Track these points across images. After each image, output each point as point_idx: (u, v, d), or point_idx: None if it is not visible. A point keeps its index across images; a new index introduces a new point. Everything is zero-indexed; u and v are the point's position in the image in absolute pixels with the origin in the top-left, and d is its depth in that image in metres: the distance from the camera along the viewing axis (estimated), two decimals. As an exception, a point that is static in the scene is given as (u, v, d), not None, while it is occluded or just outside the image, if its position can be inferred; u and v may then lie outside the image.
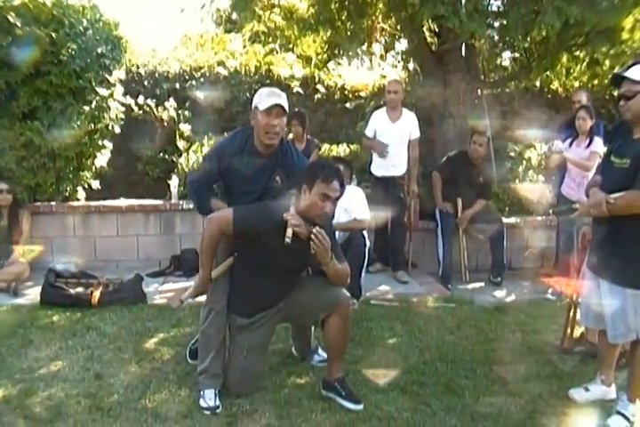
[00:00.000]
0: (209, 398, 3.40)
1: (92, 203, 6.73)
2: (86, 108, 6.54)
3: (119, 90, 7.10)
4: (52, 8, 6.58)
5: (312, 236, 3.17)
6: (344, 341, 3.55)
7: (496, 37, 7.51)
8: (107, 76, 6.75)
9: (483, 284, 6.16)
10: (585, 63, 7.84)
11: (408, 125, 6.16)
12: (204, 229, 3.49)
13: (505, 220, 6.60)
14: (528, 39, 7.13)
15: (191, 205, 6.44)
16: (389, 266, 6.31)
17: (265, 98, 3.46)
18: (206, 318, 3.56)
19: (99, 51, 6.63)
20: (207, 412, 3.32)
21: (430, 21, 7.33)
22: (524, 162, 7.56)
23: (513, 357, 4.18)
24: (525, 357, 4.21)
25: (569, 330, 4.32)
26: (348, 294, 3.52)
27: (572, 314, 4.31)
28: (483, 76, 8.27)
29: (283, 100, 3.48)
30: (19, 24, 6.23)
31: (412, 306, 5.31)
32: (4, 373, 3.81)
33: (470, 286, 6.12)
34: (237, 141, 3.57)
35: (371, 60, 8.87)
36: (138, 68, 8.21)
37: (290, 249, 3.20)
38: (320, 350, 4.00)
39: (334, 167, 3.45)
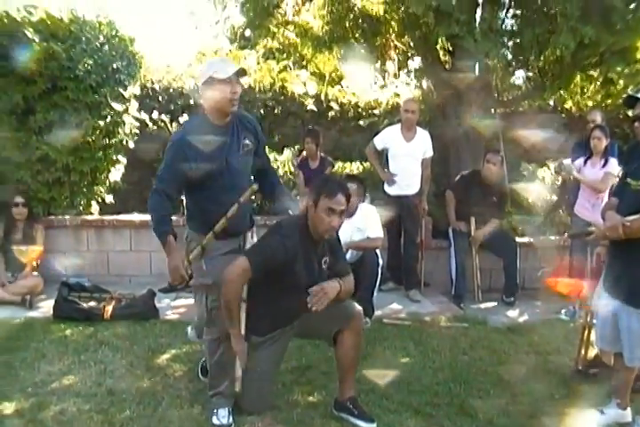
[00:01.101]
0: (222, 415, 3.39)
1: (106, 217, 6.76)
2: (101, 122, 6.59)
3: (134, 105, 7.17)
4: (70, 24, 6.67)
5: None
6: (356, 356, 3.54)
7: (510, 56, 7.53)
8: (122, 91, 6.81)
9: (495, 303, 6.12)
10: (599, 82, 7.86)
11: (422, 144, 6.16)
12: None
13: (518, 239, 6.57)
14: (542, 58, 7.16)
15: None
16: (402, 285, 6.28)
17: (222, 66, 3.35)
18: (217, 349, 3.48)
19: (114, 66, 6.70)
20: (220, 430, 3.30)
21: (444, 40, 7.38)
22: (538, 181, 7.53)
23: (526, 378, 4.13)
24: (539, 378, 4.16)
25: (583, 351, 4.28)
26: (359, 307, 3.52)
27: (586, 335, 4.27)
28: (496, 95, 8.28)
29: (234, 67, 3.35)
30: (37, 40, 6.30)
31: (425, 325, 5.27)
32: (17, 386, 3.82)
33: (483, 305, 6.08)
34: (193, 127, 3.44)
35: (384, 78, 8.94)
36: (152, 83, 8.27)
37: (310, 269, 3.20)
38: None
39: (337, 181, 3.48)
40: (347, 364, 3.50)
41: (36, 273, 5.95)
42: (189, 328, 4.30)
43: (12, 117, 6.30)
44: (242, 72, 3.37)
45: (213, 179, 3.38)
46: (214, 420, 3.39)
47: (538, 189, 7.51)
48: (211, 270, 3.41)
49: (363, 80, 8.73)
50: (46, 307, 5.46)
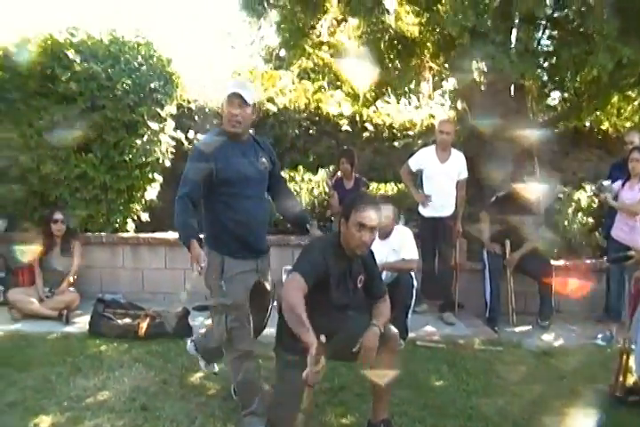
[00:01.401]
0: None
1: (142, 235, 6.84)
2: (138, 141, 6.69)
3: (170, 124, 7.26)
4: (110, 45, 6.85)
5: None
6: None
7: (545, 77, 7.50)
8: (159, 110, 6.93)
9: (530, 327, 6.03)
10: (637, 103, 7.77)
11: (457, 166, 6.15)
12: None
13: (553, 262, 6.50)
14: (578, 79, 7.11)
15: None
16: (436, 307, 6.24)
17: (229, 88, 3.51)
18: (240, 368, 3.51)
19: (152, 86, 6.84)
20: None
21: (479, 61, 7.37)
22: (574, 204, 7.45)
23: (562, 404, 4.05)
24: (575, 404, 4.07)
25: (621, 378, 4.20)
26: (395, 330, 3.47)
27: (624, 361, 4.19)
28: (532, 116, 8.24)
29: (244, 91, 3.48)
30: (78, 60, 6.45)
31: (459, 348, 5.22)
32: (53, 400, 3.86)
33: (517, 328, 6.00)
34: (214, 138, 3.57)
35: (418, 99, 8.95)
36: (189, 102, 8.37)
37: (344, 287, 3.25)
38: None
39: (369, 197, 3.50)
40: (381, 386, 3.47)
41: (72, 289, 6.04)
42: (189, 341, 4.29)
43: (53, 135, 6.42)
44: (240, 100, 3.43)
45: (230, 187, 3.46)
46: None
47: (573, 210, 7.44)
48: (230, 290, 3.46)
49: (397, 101, 8.72)
50: (82, 322, 5.54)
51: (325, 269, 3.25)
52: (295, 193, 6.92)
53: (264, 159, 3.62)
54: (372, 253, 3.51)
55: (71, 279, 6.06)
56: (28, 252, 5.99)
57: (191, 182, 3.42)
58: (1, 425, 3.55)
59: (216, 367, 4.19)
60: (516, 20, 6.76)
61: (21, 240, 6.47)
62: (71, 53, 6.51)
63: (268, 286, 3.78)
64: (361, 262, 3.44)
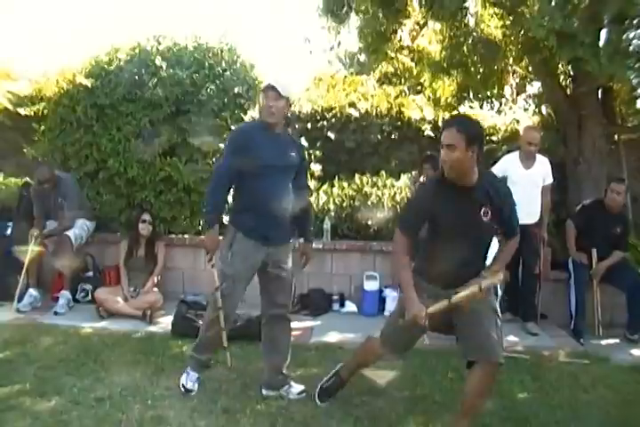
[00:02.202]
0: (192, 379, 4.10)
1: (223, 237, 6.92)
2: (221, 145, 6.79)
3: (253, 128, 7.32)
4: (194, 51, 7.01)
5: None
6: (479, 399, 3.41)
7: (635, 80, 7.24)
8: (242, 115, 7.00)
9: (618, 340, 5.80)
10: None
11: (541, 171, 5.99)
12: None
13: (642, 272, 6.27)
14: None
15: (320, 246, 6.55)
16: (519, 316, 6.10)
17: (266, 82, 3.94)
18: (209, 329, 4.16)
19: (235, 91, 6.93)
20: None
21: (565, 64, 7.19)
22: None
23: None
24: (667, 423, 3.95)
25: None
26: (500, 351, 3.33)
27: None
28: (620, 121, 7.99)
29: (278, 85, 3.82)
30: (164, 67, 6.62)
31: (543, 360, 5.08)
32: (137, 398, 3.98)
33: (604, 341, 5.78)
34: (251, 124, 4.36)
35: (501, 104, 8.78)
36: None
37: (463, 215, 3.30)
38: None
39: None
40: (468, 401, 3.38)
41: (156, 289, 6.19)
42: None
43: (140, 140, 6.60)
44: (275, 93, 3.79)
45: (257, 169, 3.81)
46: (183, 378, 4.07)
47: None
48: (233, 262, 3.93)
49: (480, 105, 8.56)
50: (165, 323, 5.66)
51: (432, 199, 3.35)
52: (379, 199, 6.94)
53: (293, 153, 3.97)
54: (494, 183, 3.42)
55: (155, 280, 6.22)
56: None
57: (226, 166, 3.88)
58: (90, 419, 3.67)
59: (195, 386, 4.14)
60: (606, 21, 6.55)
61: (109, 241, 6.71)
62: (158, 60, 6.70)
63: (283, 276, 4.14)
64: (484, 194, 3.32)
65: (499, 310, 3.49)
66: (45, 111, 7.23)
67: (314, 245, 6.52)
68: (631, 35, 6.72)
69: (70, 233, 6.22)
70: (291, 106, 4.07)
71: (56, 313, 5.95)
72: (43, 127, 7.14)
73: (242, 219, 3.94)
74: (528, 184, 5.82)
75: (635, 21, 6.55)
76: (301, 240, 4.44)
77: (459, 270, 3.31)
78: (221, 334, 4.11)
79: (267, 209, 3.84)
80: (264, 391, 4.12)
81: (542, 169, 6.02)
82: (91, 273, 6.65)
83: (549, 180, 6.07)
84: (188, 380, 4.09)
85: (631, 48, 6.70)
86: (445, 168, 3.26)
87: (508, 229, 3.49)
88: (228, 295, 3.99)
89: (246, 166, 3.79)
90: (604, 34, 6.64)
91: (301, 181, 4.15)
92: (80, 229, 6.38)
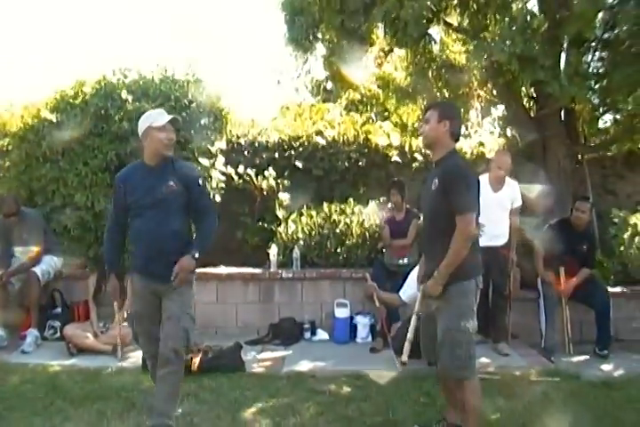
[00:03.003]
0: None
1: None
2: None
3: (220, 160, 7.34)
4: (160, 84, 7.00)
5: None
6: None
7: (597, 100, 7.39)
8: (209, 146, 7.02)
9: (588, 357, 5.84)
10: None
11: (510, 194, 6.03)
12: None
13: (610, 289, 6.34)
14: (630, 100, 6.98)
15: (290, 275, 6.59)
16: (489, 337, 6.10)
17: (157, 117, 3.95)
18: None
19: (202, 122, 6.94)
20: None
21: (528, 87, 7.32)
22: (630, 228, 7.26)
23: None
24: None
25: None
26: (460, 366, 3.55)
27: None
28: (583, 140, 8.12)
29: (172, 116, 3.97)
30: (130, 100, 6.63)
31: (515, 379, 5.10)
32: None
33: (575, 358, 5.81)
34: (130, 167, 4.11)
35: (467, 127, 8.90)
36: (238, 138, 8.41)
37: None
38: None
39: None
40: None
41: (125, 323, 6.10)
42: None
43: (107, 174, 6.56)
44: (174, 121, 3.95)
45: (138, 208, 3.87)
46: None
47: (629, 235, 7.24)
48: (133, 303, 4.16)
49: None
50: (136, 357, 5.59)
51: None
52: (347, 226, 6.97)
53: (171, 182, 3.84)
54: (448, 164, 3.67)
55: (125, 314, 6.13)
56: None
57: (113, 208, 4.07)
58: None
59: None
60: (565, 44, 6.70)
61: (76, 277, 6.64)
62: (124, 93, 6.69)
63: (171, 316, 3.84)
64: (441, 171, 3.66)
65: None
66: (10, 147, 7.17)
67: (284, 274, 6.63)
68: (590, 57, 6.90)
69: (37, 269, 6.16)
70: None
71: (23, 352, 5.83)
72: (8, 163, 7.10)
73: (132, 258, 4.05)
74: (496, 207, 5.84)
75: (593, 43, 6.73)
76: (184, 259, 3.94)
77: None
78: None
79: (145, 247, 3.88)
80: None
81: (511, 192, 6.06)
82: (59, 309, 6.56)
83: (518, 202, 6.11)
84: None
85: (590, 70, 6.86)
86: (423, 139, 3.78)
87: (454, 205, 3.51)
88: (136, 334, 4.10)
89: (129, 209, 3.92)
90: (563, 56, 6.79)
91: (196, 204, 3.94)
92: (47, 264, 6.32)
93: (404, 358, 3.73)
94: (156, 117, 3.93)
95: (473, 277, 3.58)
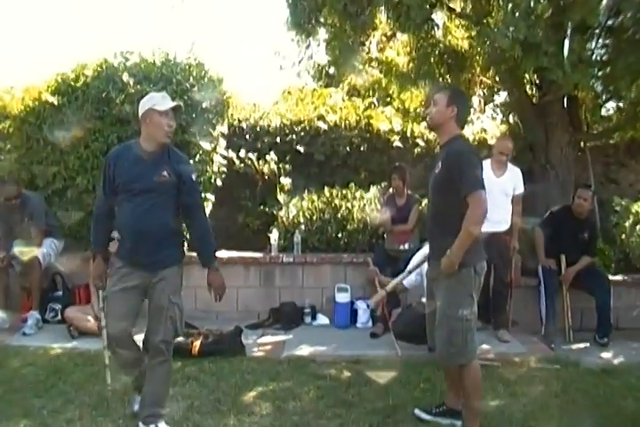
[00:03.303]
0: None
1: (194, 254, 6.87)
2: (190, 161, 6.75)
3: (222, 144, 7.33)
4: (162, 67, 6.95)
5: None
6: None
7: (600, 87, 7.35)
8: (210, 130, 6.98)
9: (588, 344, 5.86)
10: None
11: (512, 180, 6.02)
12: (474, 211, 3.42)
13: (611, 277, 6.35)
14: (634, 88, 6.95)
15: (291, 259, 6.59)
16: (490, 324, 6.11)
17: (161, 100, 3.73)
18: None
19: (203, 106, 6.89)
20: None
21: (531, 73, 7.28)
22: (631, 216, 7.25)
23: (624, 424, 3.95)
24: (638, 424, 3.97)
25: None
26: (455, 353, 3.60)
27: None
28: (586, 128, 8.10)
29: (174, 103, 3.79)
30: (131, 83, 6.60)
31: (514, 366, 5.11)
32: (108, 418, 3.93)
33: (575, 346, 5.83)
34: (125, 147, 3.84)
35: (469, 114, 8.85)
36: (240, 122, 8.39)
37: None
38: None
39: None
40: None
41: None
42: None
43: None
44: (177, 108, 3.78)
45: (125, 193, 3.67)
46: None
47: (630, 223, 7.25)
48: (111, 288, 3.78)
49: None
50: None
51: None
52: (348, 211, 6.96)
53: (165, 172, 3.66)
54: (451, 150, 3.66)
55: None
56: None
57: (100, 191, 3.86)
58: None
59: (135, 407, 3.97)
60: (569, 30, 6.66)
61: (79, 259, 6.63)
62: (125, 76, 6.66)
63: (161, 305, 3.75)
64: (445, 155, 3.68)
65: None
66: (11, 129, 7.15)
67: (285, 258, 6.62)
68: (593, 44, 6.85)
69: (38, 252, 6.15)
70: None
71: (24, 334, 5.84)
72: (8, 146, 7.08)
73: (120, 243, 3.83)
74: (499, 192, 5.81)
75: (596, 30, 6.68)
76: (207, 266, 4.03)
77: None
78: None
79: (131, 234, 3.71)
80: (139, 423, 3.76)
81: (513, 178, 6.05)
82: (60, 292, 6.55)
83: (520, 189, 6.10)
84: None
85: (594, 57, 6.82)
86: (428, 120, 3.81)
87: (461, 187, 3.48)
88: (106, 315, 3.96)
89: (118, 192, 3.70)
90: (567, 43, 6.74)
91: (187, 199, 3.79)
92: (48, 247, 6.31)
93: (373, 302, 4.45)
94: (159, 100, 3.72)
95: (471, 265, 3.56)
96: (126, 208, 3.68)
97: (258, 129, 8.37)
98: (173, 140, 6.49)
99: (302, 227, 6.97)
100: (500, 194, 5.86)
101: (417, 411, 3.97)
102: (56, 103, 6.71)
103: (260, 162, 7.83)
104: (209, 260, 3.96)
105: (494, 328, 6.07)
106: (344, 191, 7.31)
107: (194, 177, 3.85)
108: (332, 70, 10.22)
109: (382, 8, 7.18)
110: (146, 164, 3.66)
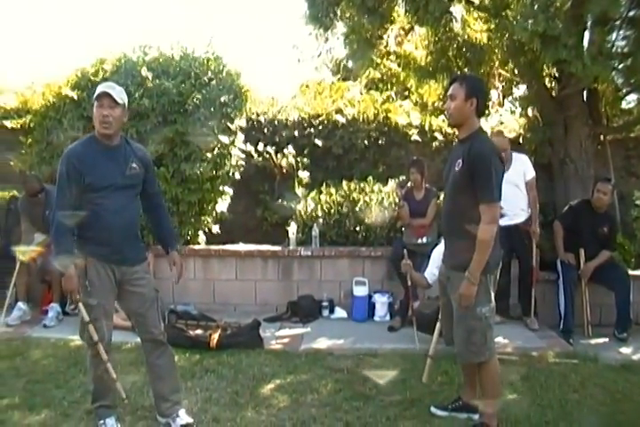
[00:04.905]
0: (110, 424, 3.65)
1: (213, 247, 6.94)
2: (209, 155, 6.79)
3: (240, 137, 7.34)
4: (180, 61, 6.99)
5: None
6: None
7: (620, 80, 7.28)
8: (229, 124, 7.00)
9: (607, 339, 5.82)
10: None
11: (520, 168, 6.03)
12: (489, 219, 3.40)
13: (631, 272, 6.31)
14: (656, 80, 6.89)
15: (309, 252, 6.60)
16: (507, 318, 6.12)
17: (98, 89, 3.52)
18: (95, 366, 3.69)
19: (222, 100, 6.90)
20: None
21: (550, 66, 7.22)
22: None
23: (643, 420, 3.94)
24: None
25: None
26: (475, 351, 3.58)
27: None
28: (606, 121, 8.02)
29: (113, 91, 3.49)
30: (150, 77, 6.63)
31: (533, 361, 5.09)
32: (127, 409, 3.95)
33: (593, 341, 5.80)
34: (84, 142, 3.58)
35: (488, 107, 8.80)
36: (258, 115, 8.41)
37: None
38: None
39: None
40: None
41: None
42: None
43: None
44: (104, 95, 3.46)
45: (98, 194, 3.46)
46: None
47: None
48: (94, 292, 3.50)
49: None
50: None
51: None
52: (366, 204, 6.93)
53: (134, 164, 3.58)
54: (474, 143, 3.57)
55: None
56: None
57: (64, 191, 3.46)
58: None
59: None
60: (589, 22, 6.60)
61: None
62: (144, 71, 6.69)
63: (145, 294, 3.69)
64: (467, 149, 3.56)
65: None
66: (32, 124, 7.20)
67: (303, 252, 6.63)
68: (614, 36, 6.78)
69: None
70: (128, 114, 3.71)
71: (45, 326, 5.94)
72: (29, 140, 7.14)
73: (90, 244, 3.51)
74: (508, 186, 5.73)
75: (617, 22, 6.60)
76: (170, 250, 3.90)
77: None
78: (107, 368, 3.62)
79: (114, 231, 3.51)
80: (158, 418, 3.81)
81: (521, 166, 6.07)
82: (80, 285, 6.60)
83: (531, 174, 6.11)
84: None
85: (614, 49, 6.74)
86: (448, 117, 3.69)
87: (479, 192, 3.44)
88: (99, 327, 3.59)
89: (86, 191, 3.45)
90: (587, 35, 6.68)
91: (151, 188, 3.78)
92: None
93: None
94: (96, 90, 3.53)
95: (487, 273, 3.50)
96: (103, 206, 3.48)
97: (276, 123, 8.38)
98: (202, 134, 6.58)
99: (320, 220, 6.96)
100: (510, 186, 5.78)
101: (433, 409, 3.96)
102: (76, 98, 6.76)
103: (279, 156, 7.84)
104: (176, 243, 4.02)
105: (524, 315, 6.17)
106: (362, 185, 7.29)
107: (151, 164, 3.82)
108: (349, 64, 10.21)
109: (400, 1, 7.16)
110: (113, 158, 3.54)
